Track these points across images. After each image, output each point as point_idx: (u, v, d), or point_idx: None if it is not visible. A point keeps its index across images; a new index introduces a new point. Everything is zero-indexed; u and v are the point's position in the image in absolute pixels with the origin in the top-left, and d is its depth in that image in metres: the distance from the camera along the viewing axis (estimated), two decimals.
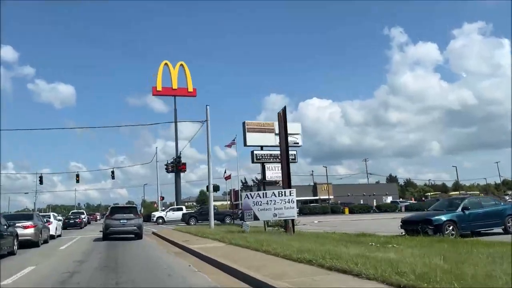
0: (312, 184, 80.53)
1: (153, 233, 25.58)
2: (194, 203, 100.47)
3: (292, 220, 15.96)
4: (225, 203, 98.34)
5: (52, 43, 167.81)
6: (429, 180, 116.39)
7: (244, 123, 28.69)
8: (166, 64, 50.57)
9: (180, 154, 42.16)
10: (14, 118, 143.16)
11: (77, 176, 46.35)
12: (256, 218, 16.47)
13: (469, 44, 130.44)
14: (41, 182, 45.41)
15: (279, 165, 30.20)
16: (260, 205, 16.49)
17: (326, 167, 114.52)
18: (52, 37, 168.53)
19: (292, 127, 30.64)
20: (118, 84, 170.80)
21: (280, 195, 16.22)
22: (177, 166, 44.76)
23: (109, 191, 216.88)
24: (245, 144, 28.43)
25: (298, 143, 30.03)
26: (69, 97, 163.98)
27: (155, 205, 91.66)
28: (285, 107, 18.10)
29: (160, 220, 42.96)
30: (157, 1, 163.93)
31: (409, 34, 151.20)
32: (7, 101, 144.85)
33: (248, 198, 16.95)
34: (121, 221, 19.44)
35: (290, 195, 16.08)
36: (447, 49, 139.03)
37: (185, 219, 38.55)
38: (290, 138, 30.20)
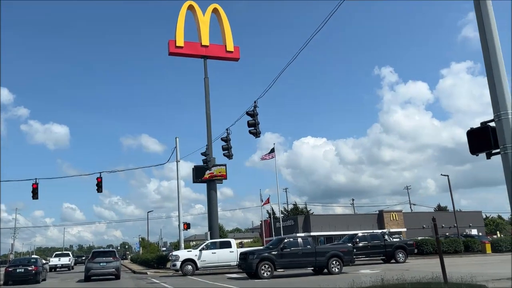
0: (376, 212, 59.80)
1: None
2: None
3: None
4: (247, 240, 77.41)
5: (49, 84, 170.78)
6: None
7: None
8: (191, 6, 31.05)
9: (228, 138, 21.50)
10: (7, 160, 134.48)
11: (34, 191, 25.68)
12: None
13: (458, 83, 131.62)
14: None
15: None
16: None
17: (409, 187, 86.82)
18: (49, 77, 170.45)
19: None
20: (113, 125, 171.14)
21: None
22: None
23: (103, 233, 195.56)
24: None
25: None
26: (63, 137, 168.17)
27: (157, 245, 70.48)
28: None
29: (190, 267, 21.98)
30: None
31: (399, 73, 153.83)
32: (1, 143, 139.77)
33: None
34: (101, 264, 20.95)
35: None
36: (437, 88, 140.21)
37: (250, 265, 18.00)
38: None
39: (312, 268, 19.37)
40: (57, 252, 45.38)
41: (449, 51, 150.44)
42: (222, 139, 22.40)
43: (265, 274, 17.70)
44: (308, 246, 18.96)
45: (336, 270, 18.62)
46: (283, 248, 18.48)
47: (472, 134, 6.28)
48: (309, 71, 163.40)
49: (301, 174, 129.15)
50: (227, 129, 20.43)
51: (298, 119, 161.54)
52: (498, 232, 58.34)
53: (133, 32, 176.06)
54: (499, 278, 13.00)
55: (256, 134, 15.84)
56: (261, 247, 22.52)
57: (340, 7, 11.10)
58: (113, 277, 21.21)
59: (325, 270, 18.87)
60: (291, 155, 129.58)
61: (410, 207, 77.46)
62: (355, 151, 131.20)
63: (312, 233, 50.55)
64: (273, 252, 18.39)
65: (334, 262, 18.77)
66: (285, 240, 19.18)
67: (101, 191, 26.41)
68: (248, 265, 18.22)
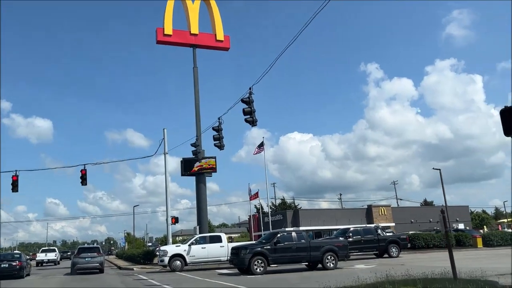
0: (365, 206, 59.57)
1: None
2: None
3: None
4: (234, 235, 76.85)
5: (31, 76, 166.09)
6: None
7: None
8: None
9: (220, 127, 20.61)
10: None
11: (14, 183, 24.46)
12: None
13: (442, 81, 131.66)
14: None
15: None
16: None
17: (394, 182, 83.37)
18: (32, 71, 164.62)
19: None
20: (96, 119, 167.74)
21: None
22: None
23: (87, 228, 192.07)
24: None
25: None
26: (46, 131, 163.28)
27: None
28: None
29: (178, 263, 21.16)
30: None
31: (385, 70, 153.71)
32: None
33: None
34: (86, 259, 23.06)
35: None
36: (421, 85, 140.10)
37: (243, 260, 17.24)
38: None
39: (306, 263, 18.72)
40: (43, 248, 47.84)
41: (433, 48, 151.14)
42: (213, 129, 21.51)
43: (258, 270, 16.95)
44: (303, 241, 18.25)
45: (331, 265, 17.96)
46: (276, 243, 17.72)
47: (507, 113, 5.55)
48: (295, 67, 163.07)
49: (288, 169, 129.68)
50: (219, 118, 19.49)
51: (285, 114, 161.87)
52: (484, 226, 58.74)
53: (121, 22, 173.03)
54: (503, 273, 12.48)
55: (253, 122, 14.99)
56: (254, 242, 21.79)
57: (329, 5, 10.55)
58: (97, 270, 23.06)
59: (319, 265, 18.23)
60: (278, 150, 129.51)
61: (397, 202, 77.88)
62: (341, 147, 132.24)
63: (301, 228, 50.08)
64: (266, 247, 17.62)
65: (329, 257, 18.09)
66: (279, 235, 18.43)
67: (86, 184, 25.31)
68: (240, 261, 17.43)
